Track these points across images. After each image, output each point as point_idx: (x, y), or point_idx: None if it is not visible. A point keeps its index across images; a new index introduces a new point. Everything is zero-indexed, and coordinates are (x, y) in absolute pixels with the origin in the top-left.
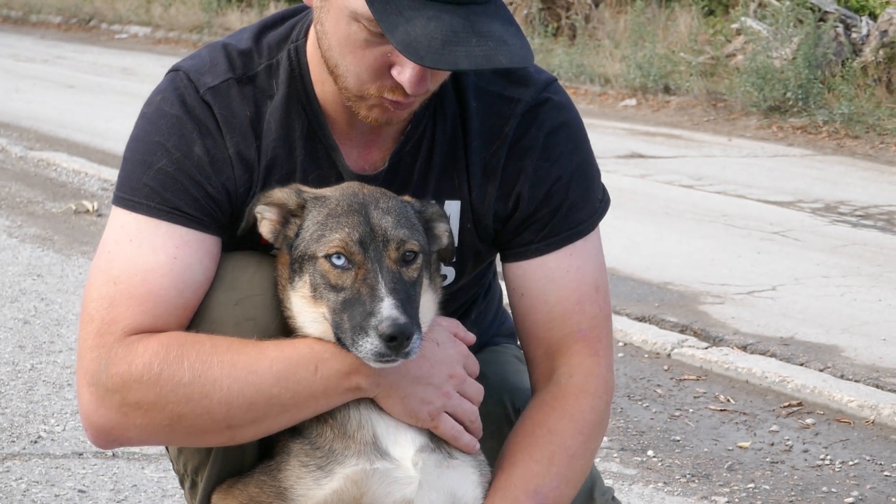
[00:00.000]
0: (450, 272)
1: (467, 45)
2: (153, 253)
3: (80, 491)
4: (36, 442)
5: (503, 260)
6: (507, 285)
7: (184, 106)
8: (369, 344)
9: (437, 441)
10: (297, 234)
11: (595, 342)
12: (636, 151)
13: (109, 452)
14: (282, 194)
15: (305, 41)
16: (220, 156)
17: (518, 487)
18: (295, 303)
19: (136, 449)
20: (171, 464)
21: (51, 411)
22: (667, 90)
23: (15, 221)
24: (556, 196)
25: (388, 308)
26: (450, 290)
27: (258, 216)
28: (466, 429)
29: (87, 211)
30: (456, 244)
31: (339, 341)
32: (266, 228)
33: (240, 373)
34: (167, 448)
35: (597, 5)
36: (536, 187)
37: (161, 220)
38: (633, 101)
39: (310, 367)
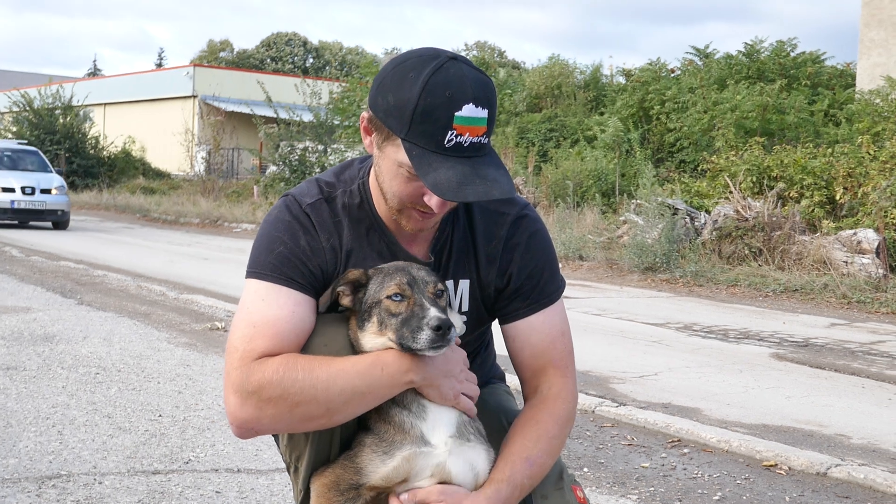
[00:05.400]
0: (463, 328)
1: (473, 184)
2: (279, 308)
3: (217, 492)
4: (187, 462)
5: (501, 323)
6: (504, 336)
7: (292, 215)
8: (424, 336)
9: (460, 430)
10: (365, 294)
11: (564, 368)
12: (564, 295)
13: (235, 468)
14: (354, 274)
15: (368, 176)
16: (317, 246)
17: (515, 455)
18: (366, 339)
19: (252, 465)
20: (279, 475)
21: (197, 443)
22: (581, 258)
23: (172, 335)
24: (534, 277)
25: (433, 312)
26: (462, 340)
27: (340, 293)
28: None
29: (217, 328)
30: (467, 309)
31: (402, 346)
32: (346, 300)
33: (333, 371)
34: (278, 446)
35: (535, 206)
36: (522, 270)
37: (282, 286)
38: (560, 265)
39: (377, 367)
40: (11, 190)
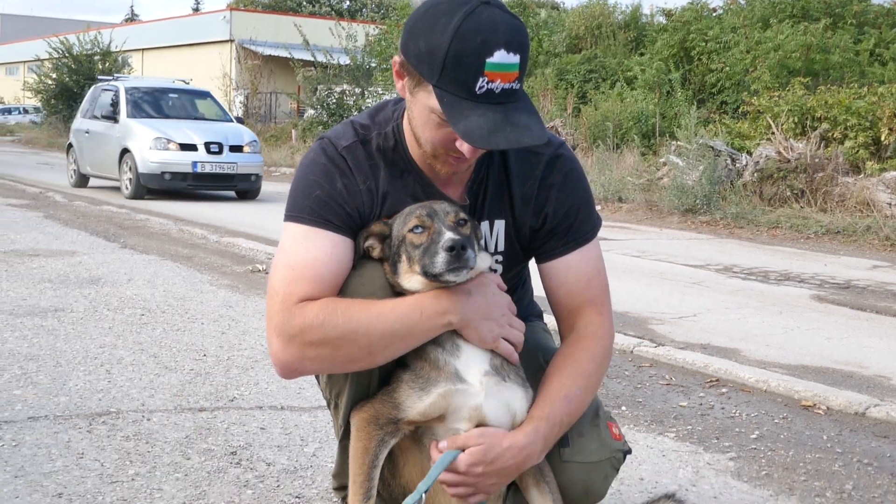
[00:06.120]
0: (499, 268)
1: (504, 132)
2: (317, 250)
3: (262, 428)
4: (232, 400)
5: (538, 262)
6: (541, 274)
7: (328, 157)
8: (440, 259)
9: (497, 370)
10: (391, 241)
11: (600, 306)
12: (602, 237)
13: (279, 406)
14: (377, 227)
15: (402, 119)
16: (354, 188)
17: (554, 393)
18: (403, 280)
19: (295, 403)
20: (321, 412)
21: (241, 382)
22: (620, 200)
23: (214, 277)
24: (570, 216)
25: (447, 234)
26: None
27: (369, 248)
28: (515, 348)
29: (259, 270)
30: (503, 249)
31: (426, 274)
32: (375, 252)
33: (373, 315)
34: (318, 382)
35: (574, 148)
36: (558, 210)
37: (319, 228)
38: (598, 207)
39: (416, 310)
40: (192, 147)
